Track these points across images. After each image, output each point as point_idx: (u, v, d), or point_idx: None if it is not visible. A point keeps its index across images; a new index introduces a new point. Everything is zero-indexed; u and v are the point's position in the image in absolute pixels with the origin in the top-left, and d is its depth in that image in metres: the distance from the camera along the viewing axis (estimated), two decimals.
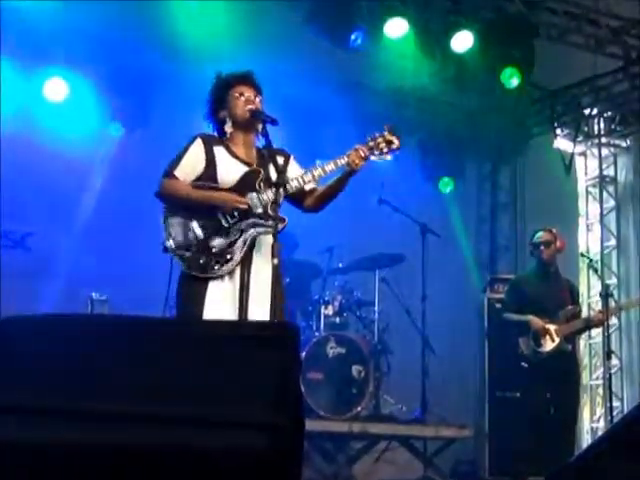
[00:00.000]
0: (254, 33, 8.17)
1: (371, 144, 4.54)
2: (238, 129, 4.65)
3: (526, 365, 7.27)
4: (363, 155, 4.47)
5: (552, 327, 7.20)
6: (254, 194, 4.50)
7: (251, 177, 4.54)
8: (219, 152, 4.59)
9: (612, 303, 7.53)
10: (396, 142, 4.58)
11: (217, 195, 4.49)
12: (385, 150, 4.55)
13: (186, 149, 4.58)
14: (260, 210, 4.48)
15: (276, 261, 4.12)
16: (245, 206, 4.46)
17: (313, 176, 4.55)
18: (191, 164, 4.54)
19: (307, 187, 4.64)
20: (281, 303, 4.36)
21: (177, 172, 4.51)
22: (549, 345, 7.20)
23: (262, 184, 4.52)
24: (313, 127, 9.40)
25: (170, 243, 4.43)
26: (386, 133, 4.58)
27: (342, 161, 4.49)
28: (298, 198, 4.67)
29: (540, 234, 7.45)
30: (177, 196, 4.50)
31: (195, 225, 4.45)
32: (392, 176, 9.01)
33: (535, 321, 7.22)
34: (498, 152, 11.38)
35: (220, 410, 2.16)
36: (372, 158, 4.56)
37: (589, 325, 7.50)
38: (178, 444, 2.13)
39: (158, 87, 8.64)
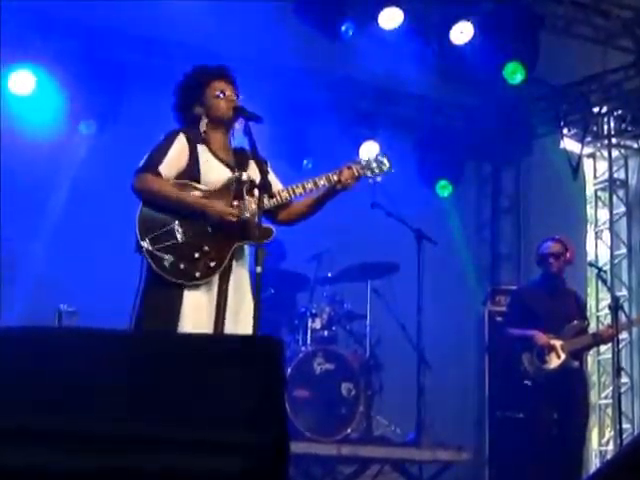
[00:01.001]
0: (237, 24, 8.20)
1: (363, 163, 4.81)
2: (216, 129, 4.66)
3: (529, 383, 7.30)
4: (356, 174, 4.71)
5: (558, 343, 7.23)
6: (241, 202, 4.53)
7: (236, 183, 4.57)
8: (202, 151, 4.61)
9: (622, 317, 7.56)
10: (387, 164, 4.90)
11: (210, 205, 4.50)
12: (377, 171, 4.86)
13: (170, 144, 4.56)
14: (246, 218, 4.52)
15: (259, 269, 4.14)
16: (230, 217, 4.49)
17: (304, 188, 4.66)
18: (175, 161, 4.54)
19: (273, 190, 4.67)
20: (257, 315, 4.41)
21: (162, 168, 4.49)
22: (554, 362, 7.22)
23: (250, 192, 4.55)
24: (300, 124, 9.42)
25: (146, 243, 4.40)
26: (378, 155, 4.93)
27: (334, 177, 4.67)
28: (275, 208, 4.71)
29: (549, 244, 7.47)
30: (158, 194, 4.48)
31: (177, 227, 4.46)
32: (386, 178, 9.01)
33: (540, 336, 7.24)
34: (500, 153, 11.40)
35: (198, 431, 2.17)
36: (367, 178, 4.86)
37: (597, 341, 7.53)
38: (158, 467, 2.14)
39: (130, 83, 8.65)
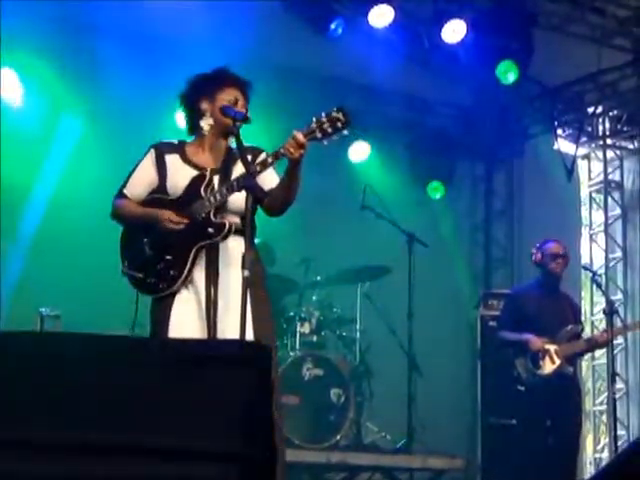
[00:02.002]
0: (225, 22, 8.20)
1: (314, 126, 4.36)
2: (215, 133, 4.65)
3: (523, 389, 7.30)
4: (300, 141, 4.31)
5: (552, 347, 7.24)
6: (197, 202, 4.51)
7: (196, 183, 4.56)
8: (171, 160, 4.63)
9: (618, 322, 7.58)
10: (342, 118, 4.32)
11: (152, 212, 4.54)
12: (330, 130, 4.33)
13: (138, 163, 4.69)
14: (202, 218, 4.50)
15: (246, 273, 4.12)
16: (180, 226, 4.48)
17: (256, 167, 4.42)
18: (141, 179, 4.65)
19: (266, 188, 4.59)
20: (263, 319, 4.42)
21: (126, 190, 4.65)
22: (548, 367, 7.23)
23: (210, 189, 4.52)
24: (288, 123, 9.39)
25: (125, 265, 4.58)
26: (333, 112, 4.37)
27: (280, 152, 4.39)
28: (258, 197, 4.60)
29: (552, 245, 7.48)
30: (125, 217, 4.66)
31: (145, 243, 4.54)
32: (376, 179, 9.03)
33: (534, 340, 7.24)
34: (493, 154, 11.42)
35: (186, 440, 2.17)
36: (323, 141, 4.37)
37: (592, 346, 7.55)
38: (144, 476, 2.14)
39: (117, 82, 8.63)
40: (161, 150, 4.66)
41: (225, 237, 4.44)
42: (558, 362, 7.22)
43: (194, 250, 4.48)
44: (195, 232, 4.49)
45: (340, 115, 4.35)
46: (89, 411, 2.25)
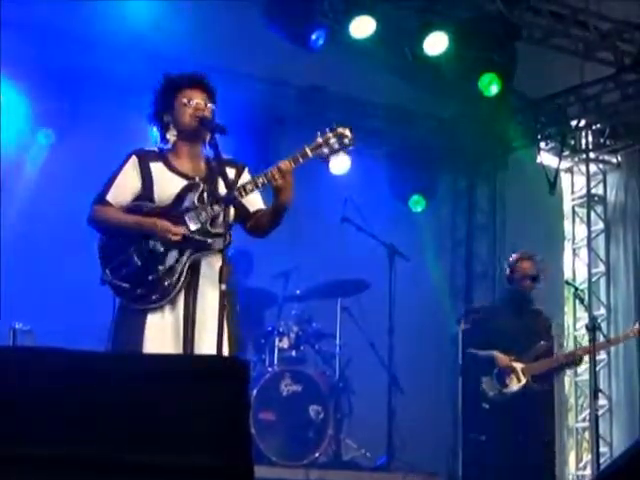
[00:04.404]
0: (204, 32, 8.22)
1: (320, 141, 4.51)
2: (183, 139, 4.68)
3: (487, 407, 7.34)
4: (283, 169, 4.41)
5: (519, 366, 7.28)
6: (191, 212, 4.52)
7: (189, 193, 4.57)
8: (156, 168, 4.63)
9: (600, 338, 7.61)
10: (349, 135, 4.53)
11: (148, 222, 4.51)
12: (336, 146, 4.51)
13: (119, 170, 4.64)
14: (197, 229, 4.51)
15: (224, 287, 4.15)
16: (178, 237, 4.48)
17: (245, 190, 4.49)
18: (124, 186, 4.61)
19: (251, 208, 4.66)
20: (234, 334, 4.43)
21: (109, 197, 4.60)
22: (514, 385, 7.28)
23: (202, 199, 4.54)
24: (270, 135, 9.43)
25: (107, 274, 4.50)
26: (339, 128, 4.54)
27: (263, 179, 4.46)
28: (242, 217, 4.69)
29: (525, 265, 7.50)
30: (109, 224, 4.59)
31: (132, 253, 4.50)
32: (357, 192, 9.06)
33: (500, 358, 7.30)
34: (475, 167, 11.47)
35: (160, 454, 2.18)
36: (330, 156, 4.56)
37: (562, 365, 7.57)
38: None
39: (90, 90, 8.62)
40: (144, 157, 4.65)
41: (224, 248, 4.39)
42: (524, 380, 7.27)
43: (189, 261, 4.49)
44: (190, 243, 4.49)
45: (347, 131, 4.52)
46: (58, 427, 2.25)
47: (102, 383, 2.32)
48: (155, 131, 4.79)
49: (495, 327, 7.48)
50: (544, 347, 7.43)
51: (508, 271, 7.61)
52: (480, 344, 7.50)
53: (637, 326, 7.56)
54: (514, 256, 7.66)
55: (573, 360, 7.50)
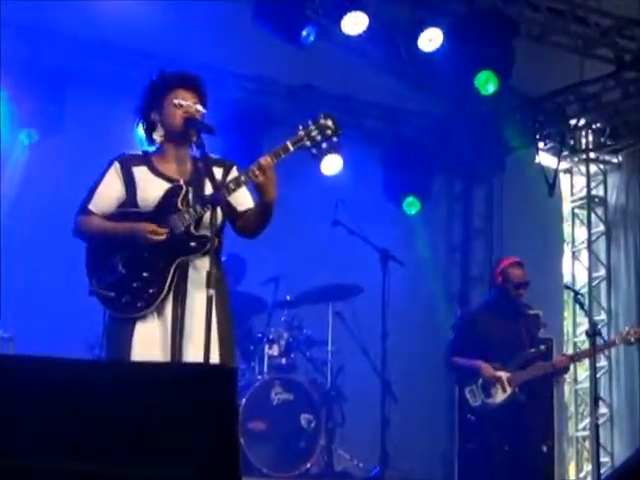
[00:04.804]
0: (190, 29, 8.21)
1: (302, 134, 4.44)
2: (170, 141, 4.65)
3: (473, 419, 7.33)
4: (263, 164, 4.37)
5: (504, 375, 7.26)
6: (175, 215, 4.49)
7: (173, 195, 4.55)
8: (139, 172, 4.60)
9: (600, 342, 7.59)
10: (331, 125, 4.45)
11: (133, 226, 4.49)
12: (319, 138, 4.44)
13: (101, 178, 4.62)
14: (181, 232, 4.48)
15: (211, 292, 4.12)
16: (162, 236, 4.45)
17: (229, 189, 4.45)
18: (107, 194, 4.59)
19: (239, 208, 4.64)
20: (227, 341, 4.41)
21: (92, 206, 4.59)
22: (500, 396, 7.26)
23: (186, 202, 4.52)
24: (259, 134, 9.41)
25: (93, 284, 4.50)
26: (321, 119, 4.46)
27: (244, 177, 4.43)
28: (230, 218, 4.66)
29: (517, 272, 7.49)
30: (93, 233, 4.58)
31: (118, 261, 4.49)
32: (349, 194, 9.04)
33: (485, 368, 7.28)
34: (472, 168, 11.47)
35: (142, 469, 2.16)
36: (313, 150, 4.47)
37: (551, 372, 7.53)
38: None
39: (74, 89, 8.61)
40: (126, 162, 4.63)
41: (214, 251, 4.33)
42: (509, 391, 7.24)
43: (174, 265, 4.46)
44: (174, 247, 4.47)
45: (329, 122, 4.45)
46: (47, 438, 2.24)
47: (84, 392, 2.30)
48: (141, 129, 4.76)
49: (479, 334, 7.46)
50: (530, 355, 7.40)
51: (499, 279, 7.56)
52: (464, 352, 7.47)
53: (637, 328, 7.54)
54: (503, 262, 7.65)
55: (563, 367, 7.51)
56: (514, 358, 7.33)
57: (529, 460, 7.30)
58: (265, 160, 4.38)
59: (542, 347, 7.47)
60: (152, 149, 4.72)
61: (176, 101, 4.59)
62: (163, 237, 4.44)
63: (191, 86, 4.67)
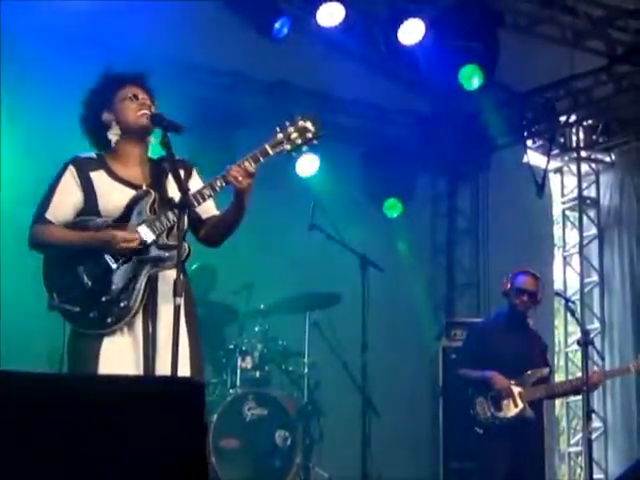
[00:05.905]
0: (157, 21, 8.21)
1: (280, 136, 4.45)
2: (128, 139, 4.62)
3: (481, 432, 7.36)
4: (249, 169, 4.39)
5: (517, 390, 7.31)
6: (144, 224, 4.46)
7: (139, 202, 4.52)
8: (97, 178, 4.56)
9: (594, 354, 7.65)
10: (311, 128, 4.47)
11: (97, 236, 4.45)
12: (299, 142, 4.46)
13: (56, 184, 4.56)
14: (152, 241, 4.46)
15: (179, 300, 4.13)
16: (135, 244, 4.42)
17: (202, 195, 4.44)
18: (64, 201, 4.54)
19: (203, 215, 4.64)
20: (197, 354, 4.43)
21: (49, 215, 4.52)
22: (511, 410, 7.30)
23: (153, 209, 4.51)
24: (231, 133, 9.42)
25: (54, 298, 4.42)
26: (300, 121, 4.48)
27: (223, 180, 4.43)
28: (193, 225, 4.65)
29: (525, 279, 7.53)
30: (52, 243, 4.52)
31: (81, 273, 4.44)
32: (326, 196, 9.06)
33: (499, 379, 7.30)
34: (456, 168, 11.51)
35: None
36: (292, 153, 4.50)
37: (553, 394, 7.68)
38: None
39: (39, 86, 8.59)
40: (82, 166, 4.58)
41: (184, 260, 4.34)
42: (521, 406, 7.29)
43: (146, 277, 4.44)
44: (144, 257, 4.45)
45: (309, 124, 4.47)
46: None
47: (45, 407, 2.31)
48: (89, 136, 4.71)
49: (490, 346, 7.50)
50: (541, 373, 7.46)
51: (507, 286, 7.57)
52: (473, 363, 7.50)
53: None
54: (515, 271, 7.67)
55: (571, 390, 7.62)
56: (526, 375, 7.37)
57: (530, 476, 7.37)
58: (250, 165, 4.38)
59: (546, 370, 7.57)
60: (104, 151, 4.67)
61: (129, 94, 4.59)
62: (135, 246, 4.41)
63: (140, 82, 4.68)
